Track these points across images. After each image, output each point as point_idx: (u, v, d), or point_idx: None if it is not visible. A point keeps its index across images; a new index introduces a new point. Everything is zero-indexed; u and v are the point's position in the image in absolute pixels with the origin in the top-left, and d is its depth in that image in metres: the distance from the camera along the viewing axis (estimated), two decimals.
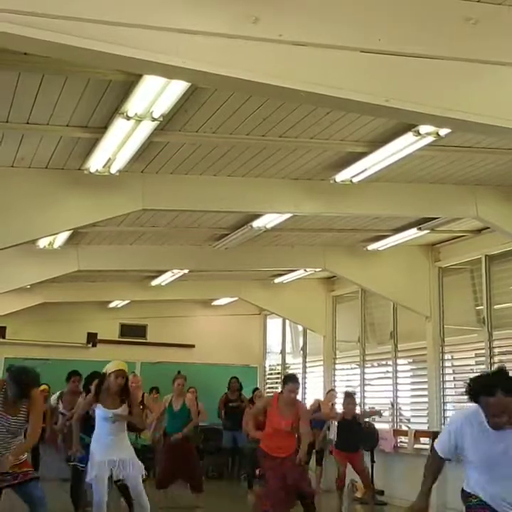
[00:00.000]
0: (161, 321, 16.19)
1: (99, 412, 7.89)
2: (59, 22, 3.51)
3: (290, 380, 8.84)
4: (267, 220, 9.38)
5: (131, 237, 10.85)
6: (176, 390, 10.73)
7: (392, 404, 12.57)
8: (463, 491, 4.82)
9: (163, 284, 13.70)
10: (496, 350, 10.55)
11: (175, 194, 7.96)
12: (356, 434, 10.92)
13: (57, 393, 10.23)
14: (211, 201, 8.12)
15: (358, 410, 11.90)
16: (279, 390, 14.94)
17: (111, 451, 7.76)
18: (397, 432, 12.22)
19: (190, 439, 10.99)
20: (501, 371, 4.62)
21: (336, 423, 11.46)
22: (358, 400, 13.53)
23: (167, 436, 10.80)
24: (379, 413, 12.03)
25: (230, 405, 14.29)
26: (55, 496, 8.83)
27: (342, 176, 7.72)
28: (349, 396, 11.27)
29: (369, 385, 13.54)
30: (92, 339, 15.88)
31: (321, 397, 13.68)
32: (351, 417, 10.99)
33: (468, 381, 4.62)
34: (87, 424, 8.39)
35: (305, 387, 15.20)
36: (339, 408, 11.97)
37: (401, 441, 12.06)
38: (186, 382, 11.07)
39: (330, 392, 13.39)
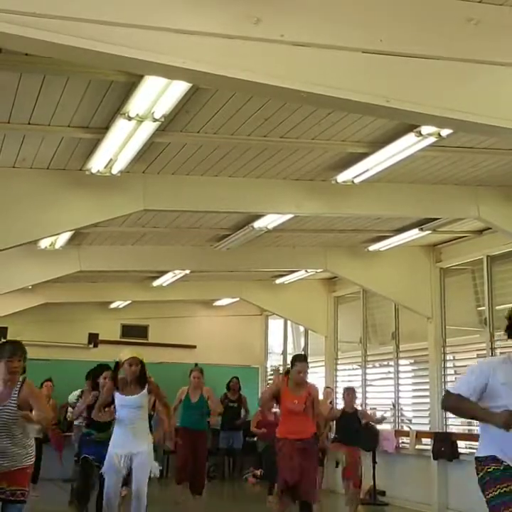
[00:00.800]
0: (162, 321, 16.18)
1: (118, 399, 7.64)
2: (59, 22, 3.51)
3: (298, 359, 8.61)
4: (269, 221, 9.38)
5: (133, 238, 10.86)
6: (192, 383, 10.24)
7: (394, 405, 12.56)
8: (478, 458, 4.46)
9: (164, 284, 13.70)
10: (498, 351, 10.52)
11: (176, 195, 7.96)
12: (355, 429, 10.82)
13: (78, 391, 10.00)
14: (212, 202, 8.12)
15: (358, 406, 11.86)
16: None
17: (126, 442, 7.51)
18: (399, 433, 12.21)
19: (207, 436, 10.67)
20: None
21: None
22: (359, 401, 13.55)
23: (185, 429, 10.10)
24: (382, 419, 11.91)
25: (230, 405, 14.24)
26: (56, 497, 8.83)
27: (343, 177, 7.71)
28: (349, 389, 11.17)
29: (371, 385, 13.53)
30: (94, 340, 15.88)
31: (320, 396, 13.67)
32: (352, 410, 10.88)
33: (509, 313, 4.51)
34: (96, 420, 8.21)
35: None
36: (339, 404, 11.96)
37: (402, 442, 12.06)
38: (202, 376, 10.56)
39: (326, 390, 13.37)
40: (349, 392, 11.00)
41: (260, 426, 12.75)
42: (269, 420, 11.85)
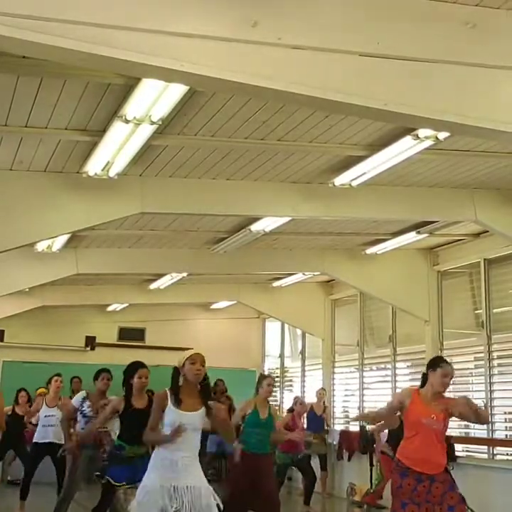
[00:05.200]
0: (159, 324, 16.17)
1: (169, 415, 5.56)
2: (57, 25, 3.51)
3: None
4: (266, 224, 9.38)
5: (130, 241, 10.85)
6: (264, 393, 7.98)
7: None
8: None
9: (161, 287, 13.70)
10: (495, 354, 10.54)
11: (173, 197, 7.96)
12: None
13: (83, 393, 9.45)
14: (210, 204, 8.12)
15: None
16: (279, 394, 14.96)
17: (175, 473, 5.41)
18: None
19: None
20: None
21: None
22: (356, 404, 13.57)
23: (250, 453, 7.74)
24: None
25: None
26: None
27: (341, 180, 7.72)
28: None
29: (368, 388, 13.53)
30: (91, 342, 15.88)
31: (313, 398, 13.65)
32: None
33: None
34: (127, 427, 7.03)
35: (304, 391, 15.20)
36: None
37: None
38: None
39: (320, 391, 13.34)
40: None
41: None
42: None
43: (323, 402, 13.04)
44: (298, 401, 11.45)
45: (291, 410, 11.39)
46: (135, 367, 7.21)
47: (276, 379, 16.73)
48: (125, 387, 7.21)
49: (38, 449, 9.95)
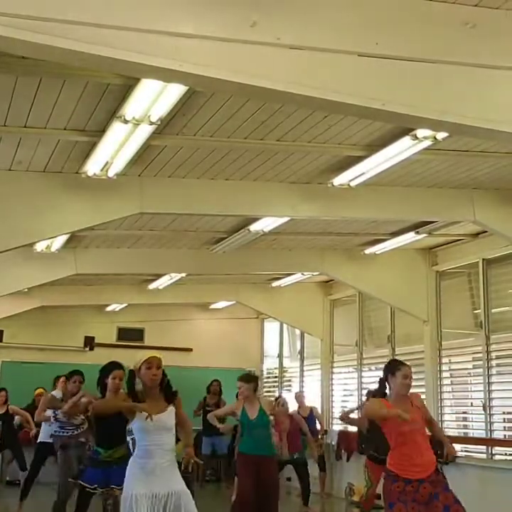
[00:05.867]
0: (158, 324, 16.17)
1: (137, 420, 5.47)
2: (55, 25, 3.51)
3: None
4: (265, 224, 9.38)
5: (129, 241, 10.85)
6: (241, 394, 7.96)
7: None
8: None
9: (160, 287, 13.69)
10: (494, 354, 10.54)
11: (172, 197, 7.96)
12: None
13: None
14: (209, 205, 8.12)
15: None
16: (278, 394, 14.96)
17: (153, 480, 5.35)
18: None
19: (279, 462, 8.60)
20: None
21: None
22: (355, 404, 13.56)
23: (250, 455, 7.74)
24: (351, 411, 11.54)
25: (207, 409, 12.94)
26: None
27: (340, 180, 7.72)
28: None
29: (367, 388, 13.50)
30: (90, 343, 15.87)
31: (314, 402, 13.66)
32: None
33: None
34: (101, 430, 6.94)
35: (302, 391, 15.19)
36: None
37: None
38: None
39: (297, 394, 13.32)
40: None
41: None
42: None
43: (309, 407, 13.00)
44: (279, 402, 11.36)
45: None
46: (110, 368, 7.09)
47: (275, 379, 16.75)
48: (99, 387, 7.06)
49: (44, 448, 9.95)
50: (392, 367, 6.13)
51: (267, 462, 7.74)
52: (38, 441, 10.11)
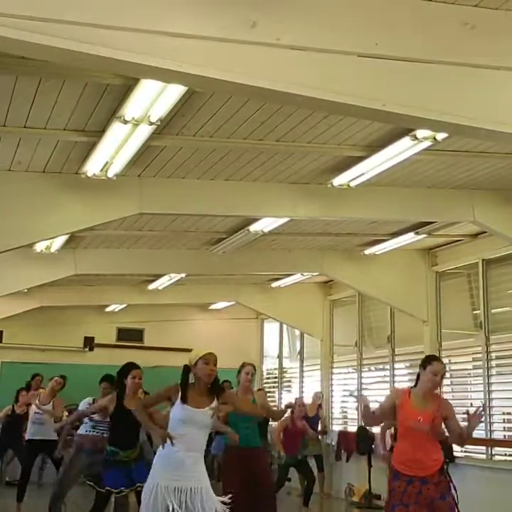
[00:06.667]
0: (158, 325, 16.17)
1: (177, 411, 5.56)
2: (54, 25, 3.50)
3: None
4: (264, 224, 9.38)
5: (129, 241, 10.85)
6: (243, 382, 7.88)
7: None
8: None
9: (160, 288, 13.69)
10: (493, 355, 10.55)
11: (172, 198, 7.96)
12: None
13: (89, 399, 8.84)
14: (208, 205, 8.12)
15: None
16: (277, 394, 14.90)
17: (180, 473, 5.38)
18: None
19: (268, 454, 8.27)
20: None
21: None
22: (355, 404, 13.56)
23: (240, 447, 7.34)
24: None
25: None
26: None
27: (339, 180, 7.72)
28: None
29: (366, 389, 13.51)
30: (89, 343, 15.88)
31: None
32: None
33: None
34: (118, 429, 6.89)
35: (302, 391, 15.20)
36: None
37: None
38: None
39: (317, 394, 13.32)
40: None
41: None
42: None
43: (319, 405, 13.02)
44: (297, 402, 11.43)
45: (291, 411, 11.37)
46: (129, 367, 7.18)
47: (275, 380, 16.75)
48: (118, 388, 7.15)
49: (33, 445, 9.93)
50: (425, 361, 6.01)
51: (256, 454, 7.59)
52: (26, 438, 10.07)
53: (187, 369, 5.75)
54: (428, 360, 6.04)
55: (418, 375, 6.04)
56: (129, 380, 7.07)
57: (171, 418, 5.56)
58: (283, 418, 10.99)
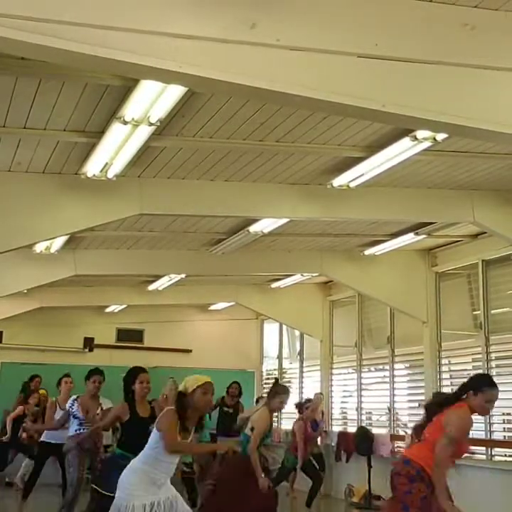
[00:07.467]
0: (157, 325, 16.17)
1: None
2: (54, 26, 3.51)
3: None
4: (264, 225, 9.38)
5: (129, 242, 10.85)
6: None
7: (389, 409, 12.56)
8: None
9: (160, 288, 13.69)
10: (493, 355, 10.55)
11: (172, 199, 7.97)
12: None
13: (74, 396, 9.13)
14: (208, 206, 8.13)
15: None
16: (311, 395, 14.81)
17: (156, 489, 5.41)
18: (394, 437, 12.20)
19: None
20: None
21: None
22: (354, 405, 13.57)
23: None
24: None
25: (225, 410, 13.15)
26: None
27: (339, 181, 7.72)
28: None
29: (366, 389, 13.53)
30: (89, 344, 15.88)
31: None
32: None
33: None
34: (131, 436, 6.75)
35: (302, 392, 15.20)
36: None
37: (398, 446, 12.04)
38: None
39: (318, 396, 13.28)
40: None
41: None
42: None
43: (322, 412, 13.02)
44: (310, 407, 11.66)
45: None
46: (135, 372, 7.01)
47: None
48: (128, 395, 6.97)
49: (47, 448, 9.93)
50: (481, 382, 5.44)
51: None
52: (41, 440, 10.10)
53: (182, 396, 5.48)
54: (486, 382, 5.49)
55: (462, 391, 5.54)
56: (137, 386, 6.92)
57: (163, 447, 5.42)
58: (300, 425, 11.49)
